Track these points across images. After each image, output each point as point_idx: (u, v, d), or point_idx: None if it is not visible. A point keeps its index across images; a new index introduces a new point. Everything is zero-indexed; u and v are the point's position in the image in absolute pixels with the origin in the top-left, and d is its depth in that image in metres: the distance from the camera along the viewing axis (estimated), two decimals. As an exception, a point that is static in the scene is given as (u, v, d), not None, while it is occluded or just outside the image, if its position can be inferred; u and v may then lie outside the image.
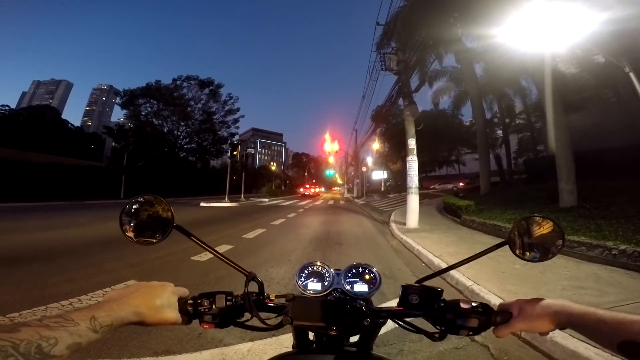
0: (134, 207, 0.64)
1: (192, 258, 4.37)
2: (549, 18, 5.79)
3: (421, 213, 8.12)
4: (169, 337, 2.13)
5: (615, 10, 5.90)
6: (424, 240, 5.79)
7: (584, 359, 1.79)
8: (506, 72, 14.85)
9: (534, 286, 3.08)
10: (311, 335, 0.72)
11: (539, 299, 0.54)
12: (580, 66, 13.89)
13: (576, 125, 11.51)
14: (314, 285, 0.72)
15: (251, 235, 6.87)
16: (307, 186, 43.09)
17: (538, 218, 0.65)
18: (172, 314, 0.55)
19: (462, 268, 0.71)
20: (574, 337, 1.92)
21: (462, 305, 0.60)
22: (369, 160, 38.91)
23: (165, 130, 37.55)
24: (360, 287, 0.71)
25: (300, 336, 0.72)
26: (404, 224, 7.94)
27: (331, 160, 49.68)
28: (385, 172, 42.67)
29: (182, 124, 38.17)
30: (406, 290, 0.66)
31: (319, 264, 0.76)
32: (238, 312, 0.63)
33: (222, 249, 5.37)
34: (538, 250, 0.64)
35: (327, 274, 0.74)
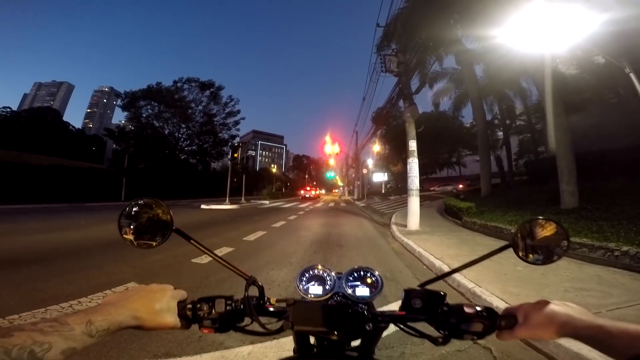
0: (133, 210, 0.64)
1: (193, 260, 4.35)
2: (549, 19, 5.80)
3: (422, 215, 8.10)
4: (169, 340, 2.11)
5: (615, 11, 5.91)
6: (425, 242, 5.78)
7: (587, 361, 1.77)
8: (506, 73, 14.87)
9: (536, 288, 3.06)
10: (312, 339, 0.72)
11: (545, 303, 0.53)
12: (581, 67, 13.89)
13: (577, 126, 11.50)
14: (315, 289, 0.71)
15: (252, 237, 6.86)
16: (308, 188, 43.03)
17: (541, 220, 0.64)
18: (172, 318, 0.54)
19: (463, 270, 0.70)
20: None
21: (466, 309, 0.59)
22: (370, 162, 38.91)
23: (166, 132, 37.59)
24: (362, 291, 0.71)
25: (301, 340, 0.71)
26: (405, 226, 7.92)
27: (332, 162, 49.77)
28: (385, 174, 42.68)
29: (183, 126, 38.21)
30: (409, 294, 0.65)
31: (320, 267, 0.76)
32: (238, 316, 0.62)
33: (223, 251, 5.36)
34: (543, 253, 0.63)
35: (328, 278, 0.73)
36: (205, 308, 0.60)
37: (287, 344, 2.02)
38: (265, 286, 0.68)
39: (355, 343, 0.69)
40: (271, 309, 0.66)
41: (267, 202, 25.05)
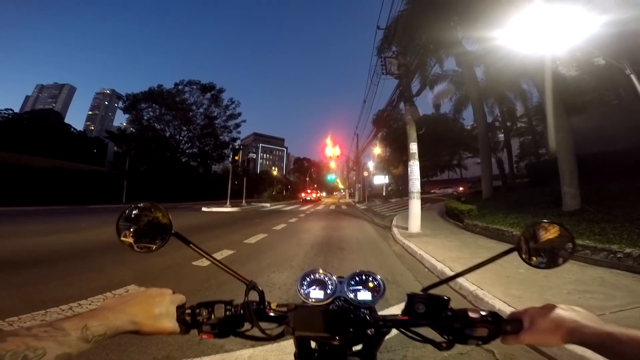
0: (131, 214, 0.63)
1: (194, 263, 4.34)
2: (549, 21, 5.80)
3: (423, 218, 8.08)
4: (169, 343, 2.10)
5: (615, 12, 5.90)
6: (427, 245, 5.75)
7: (591, 365, 1.75)
8: (507, 75, 14.88)
9: (539, 290, 3.04)
10: (313, 344, 0.71)
11: (551, 308, 0.52)
12: (581, 69, 13.90)
13: (578, 128, 11.47)
14: (316, 294, 0.70)
15: (253, 240, 6.85)
16: (309, 191, 43.02)
17: (546, 223, 0.63)
18: (170, 323, 0.54)
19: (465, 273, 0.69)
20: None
21: (471, 314, 0.58)
22: (371, 165, 38.89)
23: (167, 134, 37.72)
24: (364, 295, 0.70)
25: (302, 345, 0.70)
26: (406, 228, 7.90)
27: (332, 165, 49.73)
28: (386, 176, 42.65)
29: (184, 128, 38.34)
30: (412, 299, 0.64)
31: (321, 271, 0.75)
32: (238, 321, 0.62)
33: (224, 254, 5.35)
34: (548, 256, 0.62)
35: (329, 282, 0.72)
36: (204, 313, 0.59)
37: (288, 347, 2.01)
38: (266, 289, 0.67)
39: (357, 347, 0.68)
40: (272, 314, 0.65)
41: (268, 204, 25.03)
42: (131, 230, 0.63)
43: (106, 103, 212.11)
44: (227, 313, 0.60)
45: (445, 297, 0.63)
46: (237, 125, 41.23)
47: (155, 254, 0.53)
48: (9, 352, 0.32)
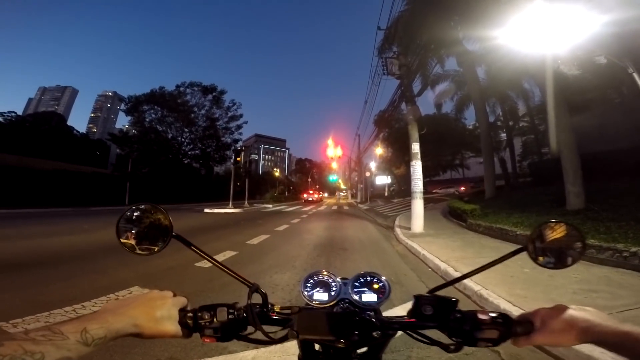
0: (131, 216, 0.62)
1: (197, 264, 4.34)
2: (550, 20, 5.78)
3: (426, 217, 8.06)
4: (172, 345, 2.10)
5: (616, 12, 5.87)
6: (430, 245, 5.73)
7: (599, 366, 1.73)
8: (508, 74, 14.84)
9: (544, 290, 3.02)
10: (317, 346, 0.70)
11: (563, 308, 0.51)
12: (583, 67, 13.80)
13: (580, 126, 11.40)
14: (320, 296, 0.69)
15: (255, 241, 6.85)
16: (311, 192, 43.06)
17: (555, 223, 0.62)
18: (172, 326, 0.53)
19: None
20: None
21: (480, 316, 0.57)
22: (372, 165, 38.85)
23: (169, 136, 37.87)
24: (369, 297, 0.68)
25: (305, 347, 0.69)
26: (409, 228, 7.88)
27: (334, 165, 49.66)
28: (388, 177, 42.55)
29: (186, 130, 38.48)
30: (419, 300, 0.63)
31: (325, 273, 0.73)
32: (241, 325, 0.61)
33: (227, 255, 5.34)
34: (557, 256, 0.61)
35: (333, 284, 0.71)
36: (206, 317, 0.58)
37: (291, 348, 2.00)
38: (268, 290, 0.66)
39: (362, 349, 0.67)
40: (275, 317, 0.64)
41: (270, 205, 25.07)
42: (132, 232, 0.62)
43: (108, 105, 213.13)
44: (230, 316, 0.59)
45: (453, 299, 0.62)
46: (239, 127, 41.42)
47: (157, 255, 0.52)
48: (6, 356, 0.31)
